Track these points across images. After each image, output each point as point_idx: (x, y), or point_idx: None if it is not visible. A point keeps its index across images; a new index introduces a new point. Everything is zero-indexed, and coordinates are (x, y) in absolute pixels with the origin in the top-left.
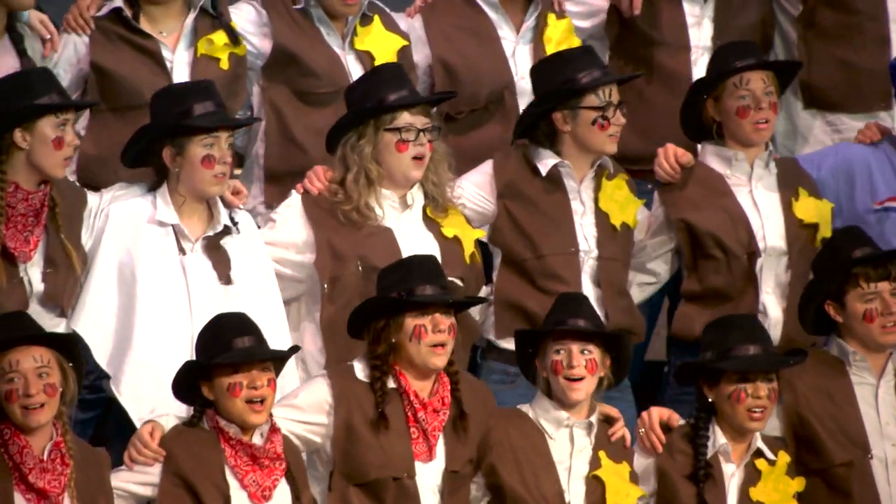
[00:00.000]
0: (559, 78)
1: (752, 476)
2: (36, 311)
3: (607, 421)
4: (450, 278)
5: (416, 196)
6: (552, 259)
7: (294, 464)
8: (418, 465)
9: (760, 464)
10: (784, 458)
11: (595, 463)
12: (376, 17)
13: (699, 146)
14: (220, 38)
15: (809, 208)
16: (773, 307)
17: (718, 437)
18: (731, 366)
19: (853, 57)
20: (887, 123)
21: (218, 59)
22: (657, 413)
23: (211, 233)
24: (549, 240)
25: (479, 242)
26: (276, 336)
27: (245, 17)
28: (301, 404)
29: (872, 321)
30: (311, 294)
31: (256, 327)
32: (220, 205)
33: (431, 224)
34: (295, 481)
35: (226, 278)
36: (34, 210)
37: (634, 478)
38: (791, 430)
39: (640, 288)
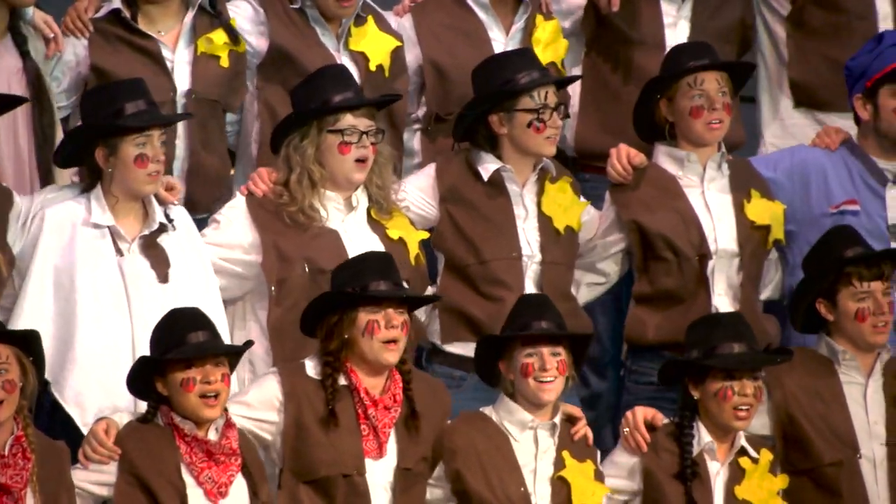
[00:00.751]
0: (497, 79)
1: (736, 474)
2: None
3: (570, 420)
4: None
5: (361, 198)
6: (495, 264)
7: (250, 459)
8: (368, 463)
9: (744, 462)
10: (766, 455)
11: (559, 464)
12: (370, 18)
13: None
14: (219, 36)
15: (761, 210)
16: (724, 309)
17: (703, 436)
18: (720, 363)
19: (843, 56)
20: None
21: (218, 58)
22: (641, 412)
23: (147, 231)
24: (492, 245)
25: (422, 243)
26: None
27: (243, 15)
28: (251, 401)
29: (864, 320)
30: (258, 293)
31: (210, 322)
32: (155, 202)
33: (376, 226)
34: (252, 476)
35: (164, 277)
36: None
37: (599, 476)
38: (780, 430)
39: (588, 288)
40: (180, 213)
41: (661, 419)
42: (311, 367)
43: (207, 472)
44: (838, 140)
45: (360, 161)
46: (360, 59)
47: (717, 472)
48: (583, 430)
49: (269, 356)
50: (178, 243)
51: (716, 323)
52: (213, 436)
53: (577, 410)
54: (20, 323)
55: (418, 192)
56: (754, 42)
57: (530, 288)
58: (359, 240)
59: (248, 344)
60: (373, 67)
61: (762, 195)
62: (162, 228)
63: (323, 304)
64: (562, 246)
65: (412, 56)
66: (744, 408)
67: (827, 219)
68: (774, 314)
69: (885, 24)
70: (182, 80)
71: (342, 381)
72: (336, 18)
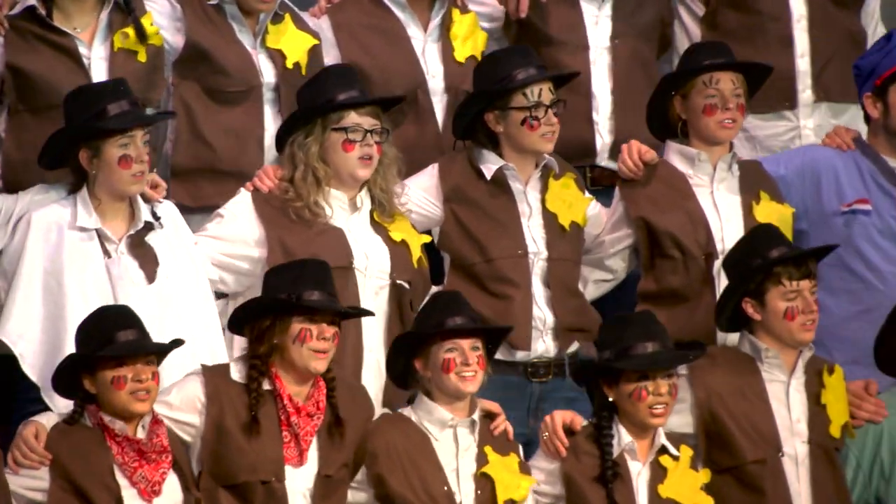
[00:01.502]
0: (493, 77)
1: (658, 473)
2: None
3: (489, 416)
4: (398, 281)
5: (365, 200)
6: (501, 262)
7: (179, 454)
8: (288, 470)
9: (665, 460)
10: (686, 451)
11: (482, 460)
12: (287, 16)
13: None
14: (134, 31)
15: (770, 212)
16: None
17: (623, 436)
18: (632, 365)
19: (757, 58)
20: (792, 123)
21: (135, 52)
22: (560, 416)
23: (133, 231)
24: (498, 243)
25: (425, 247)
26: (208, 326)
27: (159, 11)
28: (173, 401)
29: (794, 319)
30: (258, 288)
31: (139, 320)
32: (141, 201)
33: (379, 228)
34: (183, 472)
35: (152, 276)
36: None
37: (525, 468)
38: (703, 428)
39: (596, 285)
40: (168, 210)
41: (581, 422)
42: (236, 371)
43: (140, 472)
44: (849, 139)
45: (365, 159)
46: (277, 56)
47: (639, 472)
48: (502, 425)
49: None
50: (167, 240)
51: (628, 322)
52: (141, 434)
53: (494, 406)
54: (8, 328)
55: (421, 193)
56: (673, 41)
57: (537, 284)
58: (363, 239)
59: (178, 342)
60: (289, 65)
61: (772, 198)
62: (148, 227)
63: (258, 308)
64: (568, 242)
65: (332, 58)
66: (659, 406)
67: (838, 217)
68: None
69: (799, 26)
70: (99, 76)
71: (266, 385)
72: (254, 13)
